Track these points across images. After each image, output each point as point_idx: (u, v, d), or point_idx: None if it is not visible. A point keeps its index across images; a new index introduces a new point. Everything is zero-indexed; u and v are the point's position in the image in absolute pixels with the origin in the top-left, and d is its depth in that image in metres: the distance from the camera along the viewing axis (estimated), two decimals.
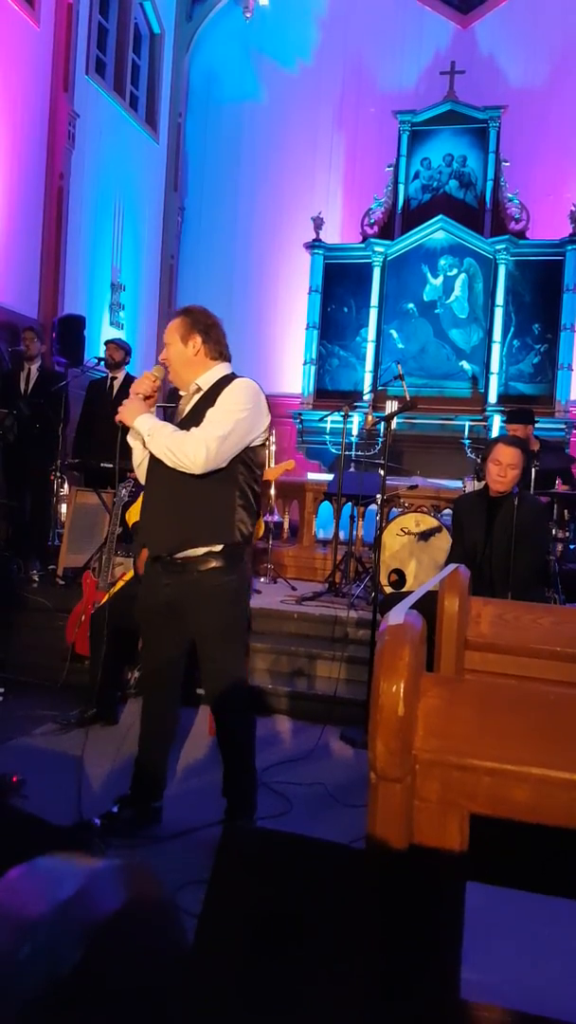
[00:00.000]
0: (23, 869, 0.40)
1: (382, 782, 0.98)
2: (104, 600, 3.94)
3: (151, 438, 2.38)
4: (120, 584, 3.96)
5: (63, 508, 5.89)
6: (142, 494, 2.63)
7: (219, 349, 2.49)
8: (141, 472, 2.59)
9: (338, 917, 0.99)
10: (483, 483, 3.67)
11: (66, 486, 6.26)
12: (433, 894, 1.03)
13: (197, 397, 2.47)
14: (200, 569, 2.41)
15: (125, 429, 2.49)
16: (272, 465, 5.69)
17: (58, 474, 6.20)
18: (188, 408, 2.48)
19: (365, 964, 0.97)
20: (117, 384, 6.22)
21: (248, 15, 9.92)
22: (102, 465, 5.34)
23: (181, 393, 2.58)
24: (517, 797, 0.97)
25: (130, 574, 3.90)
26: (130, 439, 2.54)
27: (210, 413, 2.37)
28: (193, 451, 2.31)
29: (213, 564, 2.41)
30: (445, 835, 1.00)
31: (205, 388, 2.46)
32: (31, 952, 0.34)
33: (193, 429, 2.36)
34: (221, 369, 2.49)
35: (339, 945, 0.97)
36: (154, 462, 2.44)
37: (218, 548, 2.42)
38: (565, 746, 0.98)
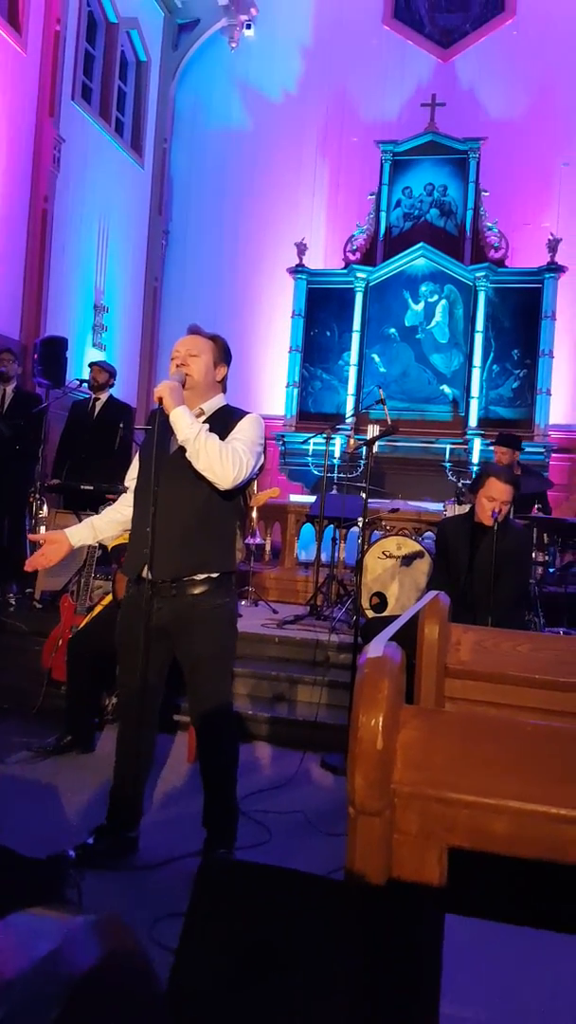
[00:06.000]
0: None
1: (361, 816, 0.98)
2: (82, 624, 3.90)
3: (198, 434, 2.32)
4: (99, 608, 3.92)
5: (42, 530, 5.85)
6: (133, 515, 2.57)
7: (225, 383, 2.61)
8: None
9: (317, 950, 0.99)
10: (466, 507, 3.69)
11: (45, 508, 6.22)
12: (412, 927, 1.02)
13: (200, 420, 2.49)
14: (194, 592, 2.42)
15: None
16: (257, 491, 5.70)
17: (37, 496, 6.17)
18: None
19: (345, 997, 0.96)
20: (99, 406, 6.22)
21: (234, 46, 10.09)
22: (82, 487, 5.32)
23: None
24: (495, 830, 0.97)
25: (108, 598, 3.87)
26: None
27: (236, 439, 2.41)
28: (233, 464, 2.33)
29: (209, 588, 2.44)
30: (424, 868, 1.00)
31: (208, 414, 2.50)
32: (8, 1012, 0.33)
33: (232, 443, 2.38)
34: (221, 399, 2.59)
35: (318, 979, 0.96)
36: (165, 482, 2.37)
37: (216, 574, 2.45)
38: (542, 778, 0.98)
